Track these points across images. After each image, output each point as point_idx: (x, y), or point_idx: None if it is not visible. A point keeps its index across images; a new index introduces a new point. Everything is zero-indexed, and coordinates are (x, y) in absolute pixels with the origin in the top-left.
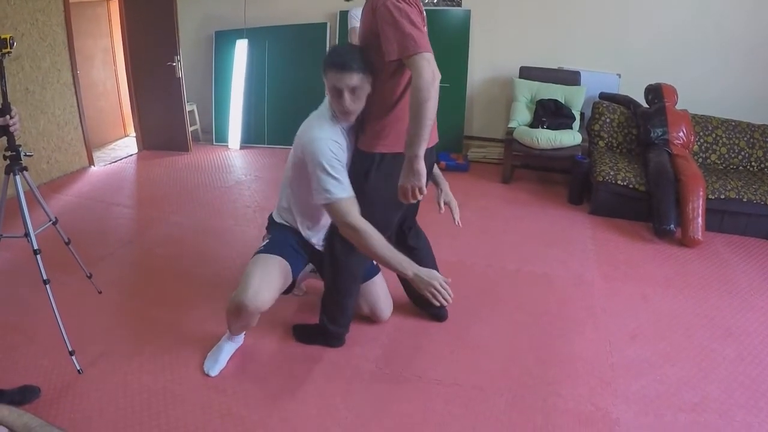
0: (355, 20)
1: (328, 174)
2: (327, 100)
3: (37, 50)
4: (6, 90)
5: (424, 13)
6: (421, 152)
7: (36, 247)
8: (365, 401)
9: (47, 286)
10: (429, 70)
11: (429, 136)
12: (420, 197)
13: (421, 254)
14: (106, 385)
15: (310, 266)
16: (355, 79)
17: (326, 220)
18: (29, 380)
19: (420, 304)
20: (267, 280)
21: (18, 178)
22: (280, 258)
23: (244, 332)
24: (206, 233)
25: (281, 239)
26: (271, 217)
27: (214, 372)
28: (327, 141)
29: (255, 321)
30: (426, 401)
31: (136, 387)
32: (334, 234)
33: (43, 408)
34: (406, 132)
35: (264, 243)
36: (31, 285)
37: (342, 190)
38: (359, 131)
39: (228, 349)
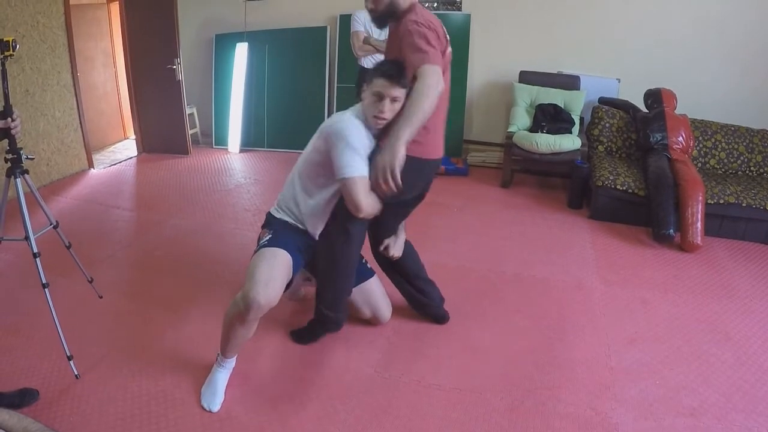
0: (359, 24)
1: (354, 151)
2: (358, 107)
3: (38, 52)
4: (8, 92)
5: (447, 36)
6: (405, 137)
7: (36, 250)
8: (365, 406)
9: (46, 289)
10: (434, 77)
11: (416, 128)
12: (393, 189)
13: (404, 257)
14: (106, 388)
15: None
16: (399, 92)
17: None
18: (28, 383)
19: (419, 308)
20: (275, 274)
21: (19, 181)
22: (285, 252)
23: (237, 354)
24: (206, 236)
25: (283, 235)
26: (270, 214)
27: (215, 407)
28: (356, 128)
29: (254, 329)
30: (425, 406)
31: (135, 390)
32: (331, 221)
33: (42, 411)
34: (420, 135)
35: (267, 238)
36: (32, 287)
37: (363, 169)
38: (382, 137)
39: (222, 377)
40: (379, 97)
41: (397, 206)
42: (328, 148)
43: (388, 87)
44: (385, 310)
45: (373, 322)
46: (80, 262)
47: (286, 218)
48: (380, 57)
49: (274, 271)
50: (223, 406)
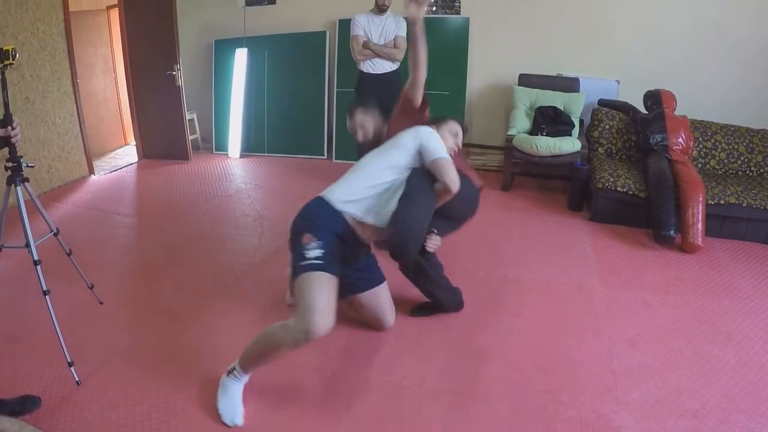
0: (358, 28)
1: (443, 146)
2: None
3: (38, 59)
4: (8, 101)
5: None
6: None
7: (36, 258)
8: (367, 411)
9: (47, 297)
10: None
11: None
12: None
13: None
14: (108, 394)
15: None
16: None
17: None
18: (30, 390)
19: (430, 305)
20: (332, 301)
21: (19, 189)
22: (336, 278)
23: None
24: (207, 242)
25: (331, 250)
26: (314, 215)
27: (239, 420)
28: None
29: None
30: (428, 410)
31: (137, 397)
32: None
33: (44, 418)
34: None
35: (316, 252)
36: (33, 295)
37: (447, 155)
38: None
39: (239, 389)
40: (454, 137)
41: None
42: (420, 142)
43: (459, 131)
44: (391, 315)
45: (376, 327)
46: (81, 269)
47: (346, 211)
48: (380, 61)
49: (331, 299)
50: None
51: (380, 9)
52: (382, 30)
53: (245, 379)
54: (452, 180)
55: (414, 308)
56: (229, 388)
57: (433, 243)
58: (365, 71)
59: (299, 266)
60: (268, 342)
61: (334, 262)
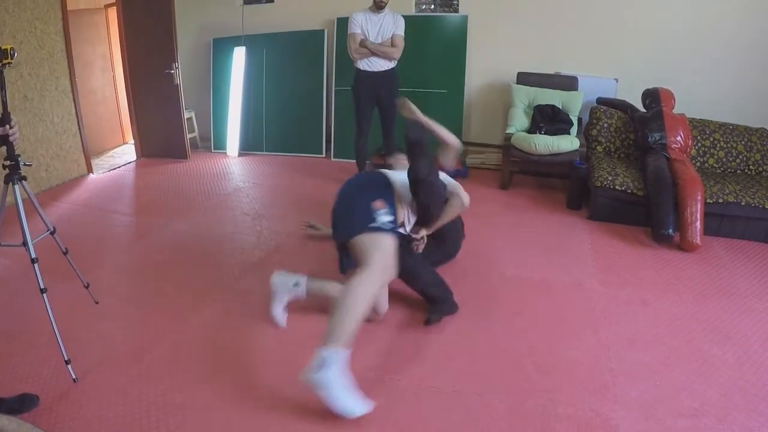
0: (356, 26)
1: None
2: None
3: (36, 58)
4: (6, 100)
5: None
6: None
7: (34, 256)
8: None
9: (44, 294)
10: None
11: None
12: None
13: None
14: (106, 393)
15: (294, 284)
16: None
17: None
18: (28, 388)
19: (431, 307)
20: (395, 261)
21: (17, 187)
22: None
23: None
24: (205, 240)
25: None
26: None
27: (368, 405)
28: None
29: None
30: (426, 408)
31: (135, 395)
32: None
33: (42, 416)
34: None
35: (389, 218)
36: (30, 293)
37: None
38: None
39: (343, 366)
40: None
41: None
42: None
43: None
44: (385, 303)
45: (371, 317)
46: (77, 268)
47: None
48: (377, 59)
49: (395, 257)
50: (223, 411)
51: (378, 6)
52: (380, 28)
53: (346, 351)
54: (465, 199)
55: (426, 320)
56: (335, 372)
57: (420, 243)
58: (362, 69)
59: (370, 227)
60: (357, 303)
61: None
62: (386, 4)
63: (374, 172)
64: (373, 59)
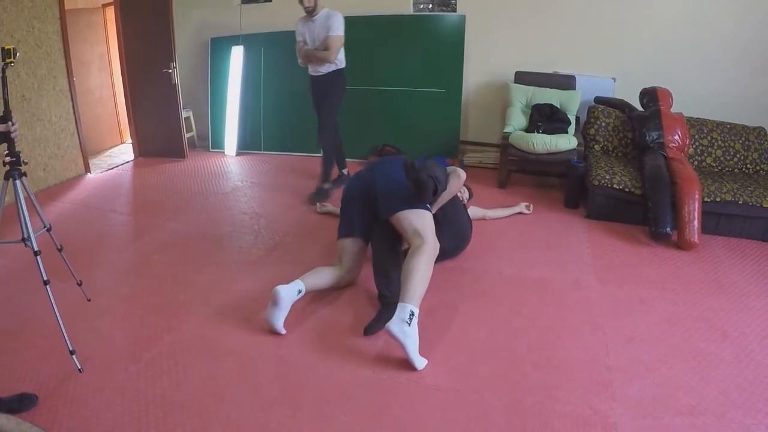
0: (298, 33)
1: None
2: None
3: (33, 57)
4: (7, 98)
5: None
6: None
7: (36, 248)
8: (363, 407)
9: (47, 286)
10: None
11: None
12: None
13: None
14: (104, 392)
15: (297, 291)
16: None
17: None
18: (26, 387)
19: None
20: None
21: (18, 183)
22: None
23: None
24: (203, 239)
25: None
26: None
27: (425, 362)
28: None
29: None
30: (423, 407)
31: (133, 393)
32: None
33: (40, 415)
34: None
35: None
36: (28, 292)
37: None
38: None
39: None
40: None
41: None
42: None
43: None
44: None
45: (342, 282)
46: (71, 265)
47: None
48: (320, 66)
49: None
50: (222, 409)
51: (307, 12)
52: (314, 34)
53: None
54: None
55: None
56: (414, 332)
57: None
58: (310, 73)
59: (416, 205)
60: (420, 269)
61: None
62: (314, 8)
63: (395, 156)
64: (318, 66)
